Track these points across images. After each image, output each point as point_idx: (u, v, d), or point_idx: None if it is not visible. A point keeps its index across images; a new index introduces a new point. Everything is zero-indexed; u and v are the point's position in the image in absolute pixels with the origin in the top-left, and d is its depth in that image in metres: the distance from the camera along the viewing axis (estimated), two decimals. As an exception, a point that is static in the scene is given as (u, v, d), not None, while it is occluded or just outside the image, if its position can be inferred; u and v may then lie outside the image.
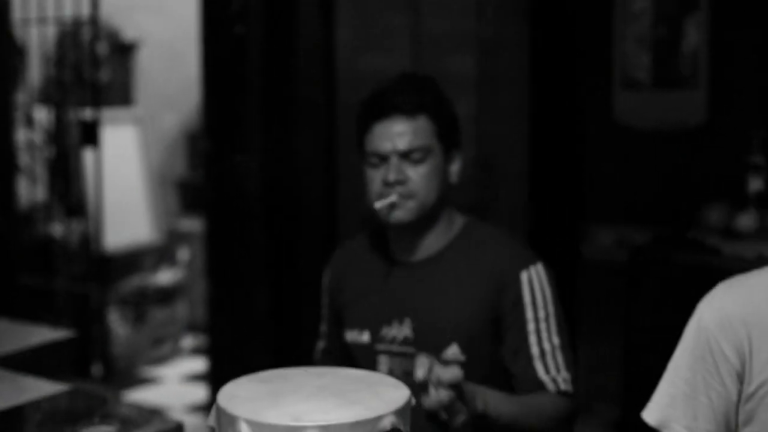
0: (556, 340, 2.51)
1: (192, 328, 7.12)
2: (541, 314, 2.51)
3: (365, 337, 2.64)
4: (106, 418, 2.38)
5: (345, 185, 4.46)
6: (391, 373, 2.56)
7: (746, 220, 3.38)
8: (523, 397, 2.46)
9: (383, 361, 2.60)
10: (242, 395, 1.85)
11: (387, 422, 1.76)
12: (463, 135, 2.69)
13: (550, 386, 2.47)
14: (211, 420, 1.90)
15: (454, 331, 2.54)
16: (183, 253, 7.14)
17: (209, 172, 4.90)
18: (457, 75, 4.22)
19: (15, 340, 3.18)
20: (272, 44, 4.51)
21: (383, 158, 2.53)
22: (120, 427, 2.17)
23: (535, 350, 2.49)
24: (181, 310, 6.96)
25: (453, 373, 2.17)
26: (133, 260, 6.82)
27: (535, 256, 2.60)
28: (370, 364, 2.61)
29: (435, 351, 2.53)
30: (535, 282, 2.53)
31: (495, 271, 2.54)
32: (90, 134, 4.84)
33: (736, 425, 2.05)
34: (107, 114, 5.56)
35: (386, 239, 2.70)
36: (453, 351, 2.54)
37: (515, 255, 2.57)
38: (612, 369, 3.80)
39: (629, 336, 3.51)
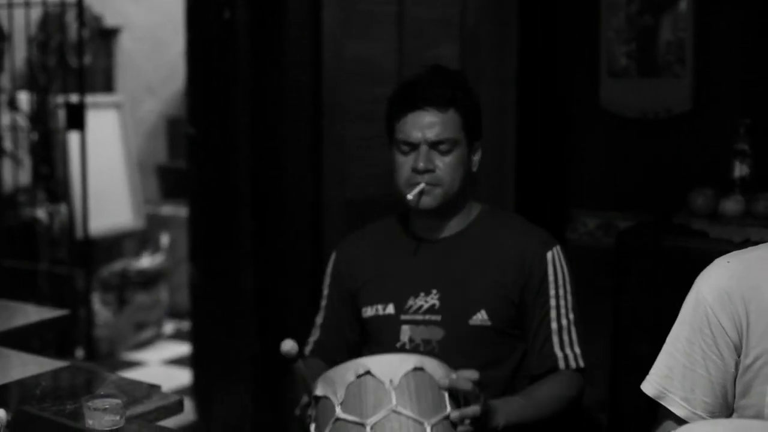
0: (571, 317, 2.74)
1: (173, 313, 7.13)
2: (561, 291, 2.74)
3: (389, 309, 2.79)
4: (108, 392, 2.41)
5: (330, 171, 4.48)
6: (411, 341, 2.73)
7: (732, 205, 3.44)
8: (535, 393, 2.65)
9: (405, 330, 2.74)
10: None
11: None
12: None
13: (562, 363, 2.70)
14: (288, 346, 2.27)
15: (481, 298, 2.73)
16: (164, 239, 7.15)
17: (193, 157, 4.91)
18: (442, 62, 4.24)
19: (3, 319, 3.20)
20: (259, 29, 4.52)
21: (413, 147, 2.70)
22: (126, 400, 2.19)
23: (554, 325, 2.72)
24: (162, 295, 6.97)
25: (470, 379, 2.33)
26: (115, 245, 6.83)
27: (556, 238, 2.83)
28: (392, 335, 2.75)
29: (462, 317, 2.71)
30: (557, 261, 2.76)
31: (522, 251, 2.75)
32: (75, 118, 4.84)
33: (734, 397, 2.09)
34: (89, 99, 5.56)
35: (406, 224, 2.87)
36: (481, 317, 2.72)
37: (542, 237, 2.80)
38: (599, 352, 3.84)
39: (617, 319, 3.55)
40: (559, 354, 2.71)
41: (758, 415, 2.03)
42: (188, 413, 4.93)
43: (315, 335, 2.94)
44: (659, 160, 3.98)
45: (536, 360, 2.74)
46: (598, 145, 4.14)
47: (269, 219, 4.58)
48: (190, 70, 4.81)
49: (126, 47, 7.39)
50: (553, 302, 2.73)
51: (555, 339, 2.72)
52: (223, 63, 4.59)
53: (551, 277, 2.74)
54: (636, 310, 3.43)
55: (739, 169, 3.54)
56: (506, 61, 4.14)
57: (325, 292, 2.96)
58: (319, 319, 2.95)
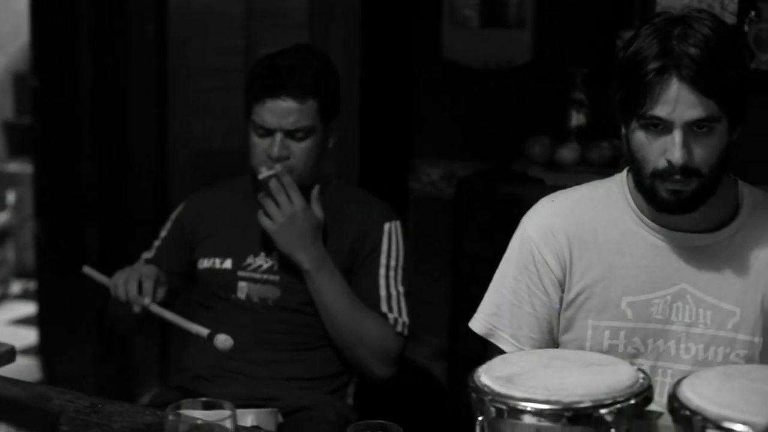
0: (401, 289, 2.78)
1: (20, 272, 7.00)
2: (393, 263, 2.78)
3: (227, 264, 2.81)
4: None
5: (175, 124, 4.44)
6: (248, 298, 2.78)
7: (568, 153, 3.52)
8: (361, 304, 2.72)
9: (242, 286, 2.79)
10: None
11: None
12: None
13: (391, 323, 2.73)
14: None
15: None
16: (10, 197, 7.00)
17: (37, 112, 4.81)
18: (290, 11, 4.24)
19: None
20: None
21: (269, 132, 2.72)
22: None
23: (383, 292, 2.76)
24: (9, 254, 6.83)
25: None
26: (-42, 203, 6.68)
27: (397, 214, 2.89)
28: (228, 289, 2.80)
29: (300, 280, 2.75)
30: (393, 234, 2.81)
31: (362, 221, 2.81)
32: None
33: (559, 332, 2.14)
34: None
35: (257, 186, 2.85)
36: None
37: (382, 208, 2.87)
38: (440, 300, 3.89)
39: (456, 266, 3.60)
40: (390, 316, 2.74)
41: (580, 349, 2.08)
42: (34, 372, 4.87)
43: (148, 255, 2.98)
44: (501, 110, 4.04)
45: None
46: (441, 95, 4.18)
47: (114, 173, 4.52)
48: (34, 22, 4.70)
49: (-30, 0, 7.20)
50: (383, 271, 2.77)
51: (384, 304, 2.75)
52: (65, 14, 4.50)
53: (384, 246, 2.79)
54: (474, 257, 3.47)
55: (576, 119, 3.62)
56: (353, 10, 4.14)
57: (162, 234, 2.98)
58: (147, 255, 2.96)
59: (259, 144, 2.74)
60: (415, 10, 4.20)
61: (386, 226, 2.81)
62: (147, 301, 2.57)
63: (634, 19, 3.73)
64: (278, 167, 2.70)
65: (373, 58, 4.11)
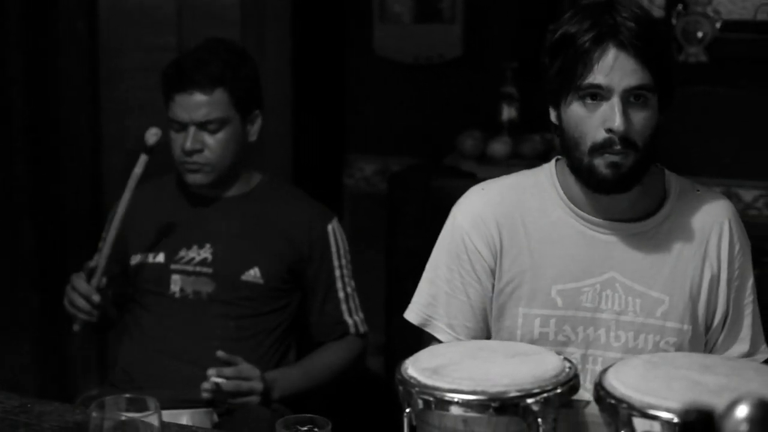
0: (353, 284, 2.90)
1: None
2: (343, 261, 2.87)
3: (160, 258, 2.83)
4: None
5: (109, 122, 4.41)
6: (182, 291, 2.79)
7: (500, 147, 3.54)
8: (315, 362, 2.84)
9: (176, 280, 2.80)
10: None
11: None
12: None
13: (352, 329, 2.88)
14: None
15: (256, 257, 2.80)
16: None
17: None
18: (222, 9, 4.22)
19: None
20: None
21: (183, 126, 2.75)
22: None
23: (341, 294, 2.87)
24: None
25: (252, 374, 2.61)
26: None
27: (333, 211, 2.95)
28: (162, 283, 2.81)
29: (234, 272, 2.78)
30: (337, 233, 2.88)
31: (303, 222, 2.84)
32: None
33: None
34: None
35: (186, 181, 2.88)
36: (254, 273, 2.79)
37: (322, 210, 2.91)
38: (376, 295, 3.90)
39: (391, 261, 3.61)
40: (349, 321, 2.87)
41: (512, 337, 2.09)
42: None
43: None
44: (433, 105, 4.06)
45: (327, 328, 2.88)
46: (373, 91, 4.20)
47: (48, 174, 4.48)
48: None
49: None
50: (337, 273, 2.86)
51: (344, 307, 2.86)
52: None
53: (333, 248, 2.85)
54: (408, 252, 3.48)
55: (507, 112, 3.65)
56: (285, 6, 4.13)
57: (107, 234, 2.91)
58: (92, 264, 2.86)
59: (176, 139, 2.78)
60: (347, 7, 4.20)
61: (329, 227, 2.86)
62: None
63: (564, 12, 3.76)
64: (213, 380, 2.60)
65: (306, 55, 4.11)
